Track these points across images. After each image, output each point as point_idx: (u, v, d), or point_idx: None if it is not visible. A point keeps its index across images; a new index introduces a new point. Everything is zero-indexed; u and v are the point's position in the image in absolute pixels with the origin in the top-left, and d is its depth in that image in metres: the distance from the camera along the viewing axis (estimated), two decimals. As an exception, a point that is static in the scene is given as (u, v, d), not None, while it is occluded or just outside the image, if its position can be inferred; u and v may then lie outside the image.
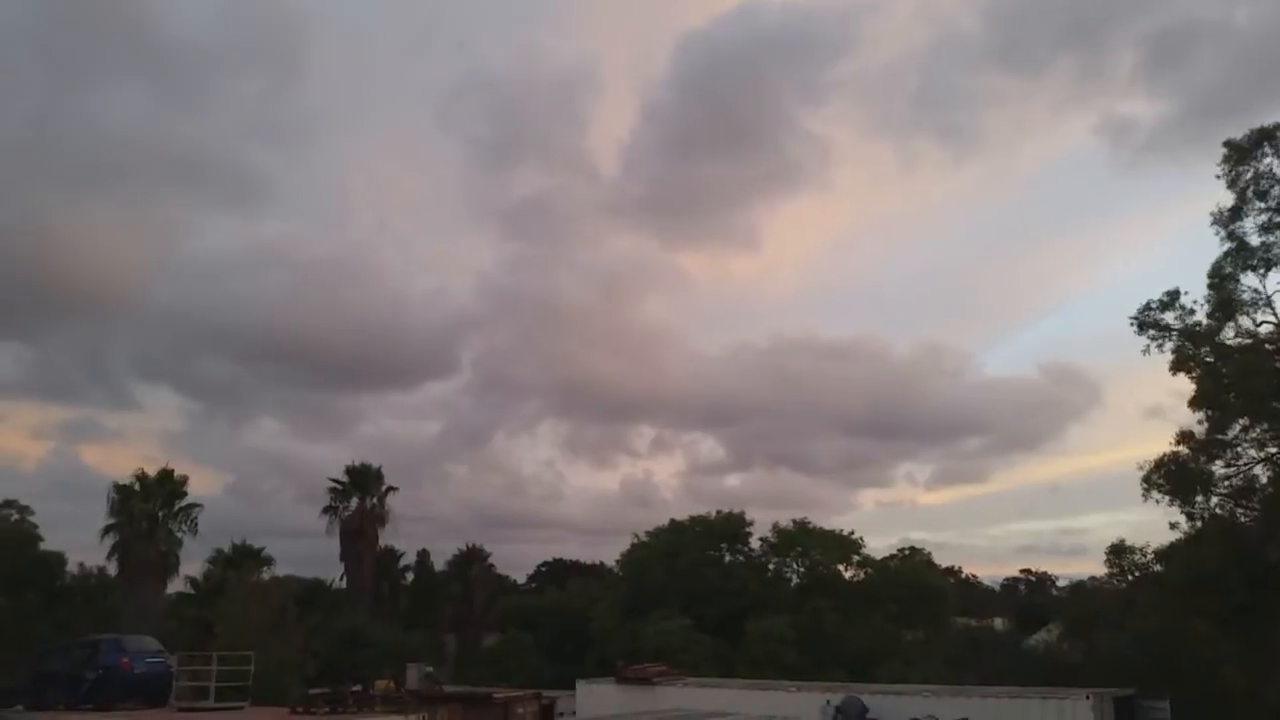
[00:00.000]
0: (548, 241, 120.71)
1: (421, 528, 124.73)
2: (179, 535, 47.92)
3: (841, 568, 46.96)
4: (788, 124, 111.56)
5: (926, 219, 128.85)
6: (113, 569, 48.32)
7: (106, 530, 46.70)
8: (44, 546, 50.80)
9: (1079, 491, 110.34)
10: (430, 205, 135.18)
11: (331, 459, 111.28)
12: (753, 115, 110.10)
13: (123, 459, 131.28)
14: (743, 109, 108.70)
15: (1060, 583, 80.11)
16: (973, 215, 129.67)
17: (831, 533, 47.71)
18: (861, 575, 46.94)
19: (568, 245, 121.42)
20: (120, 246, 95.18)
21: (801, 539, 47.06)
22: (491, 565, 66.01)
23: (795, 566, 47.62)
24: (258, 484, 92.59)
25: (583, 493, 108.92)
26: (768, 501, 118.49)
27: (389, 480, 56.39)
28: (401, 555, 65.00)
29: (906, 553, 49.55)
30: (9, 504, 52.39)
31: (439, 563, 66.50)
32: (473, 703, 26.32)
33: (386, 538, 58.13)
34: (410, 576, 67.01)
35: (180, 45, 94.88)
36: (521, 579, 78.74)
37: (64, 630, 40.47)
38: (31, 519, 52.01)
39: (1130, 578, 35.94)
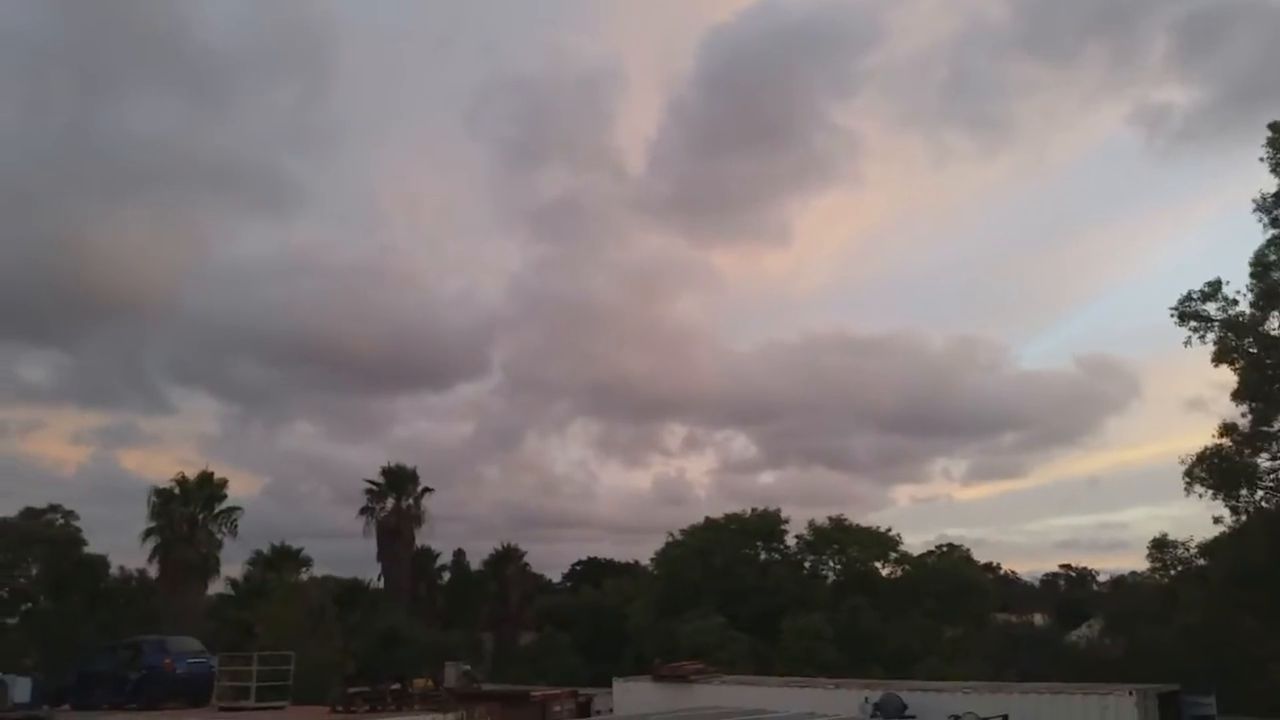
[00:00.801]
0: (576, 241, 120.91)
1: (456, 528, 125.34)
2: (219, 537, 48.68)
3: (879, 565, 46.67)
4: (816, 117, 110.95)
5: (958, 211, 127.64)
6: (154, 571, 49.08)
7: (148, 533, 47.56)
8: (87, 550, 51.56)
9: (1118, 485, 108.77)
10: (459, 207, 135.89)
11: (366, 461, 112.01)
12: (780, 109, 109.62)
13: (161, 463, 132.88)
14: (770, 103, 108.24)
15: (1101, 578, 79.23)
16: (1005, 207, 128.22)
17: (869, 530, 47.42)
18: (899, 572, 46.61)
19: (596, 245, 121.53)
20: (155, 253, 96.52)
21: (838, 536, 46.81)
22: (527, 564, 66.29)
23: (832, 564, 47.38)
24: (295, 486, 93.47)
25: (615, 492, 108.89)
26: (802, 499, 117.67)
27: (424, 481, 57.00)
28: (438, 555, 65.58)
29: (945, 549, 49.07)
30: (54, 508, 53.15)
31: (475, 562, 66.90)
32: (511, 701, 26.40)
33: (422, 538, 58.78)
34: (446, 576, 67.48)
35: (210, 52, 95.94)
36: (556, 578, 78.93)
37: (108, 632, 41.07)
38: (75, 523, 52.82)
39: (1173, 572, 35.41)
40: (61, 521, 52.04)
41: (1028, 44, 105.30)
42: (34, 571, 49.62)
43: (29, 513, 51.60)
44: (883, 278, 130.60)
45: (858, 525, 47.76)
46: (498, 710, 24.82)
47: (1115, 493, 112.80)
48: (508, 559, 64.07)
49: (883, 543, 46.61)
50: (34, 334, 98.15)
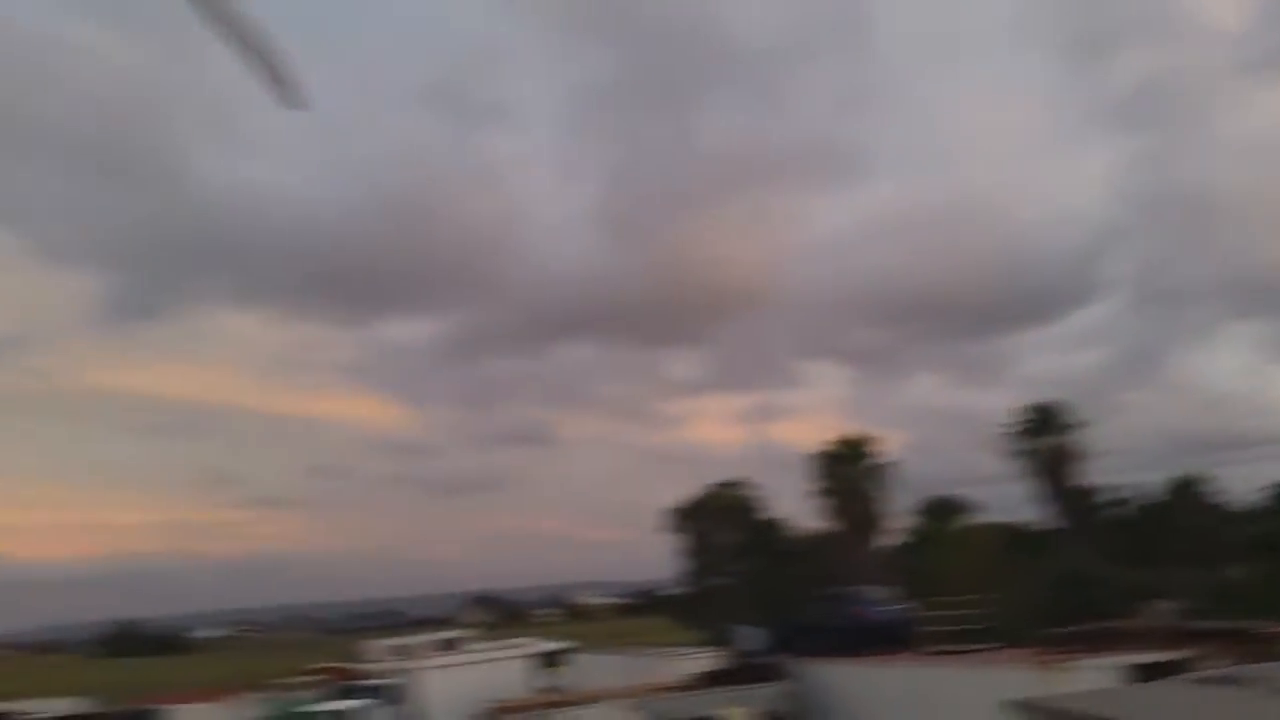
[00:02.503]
0: (1175, 125, 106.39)
1: (1109, 461, 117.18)
2: (879, 493, 51.03)
3: None
4: None
5: None
6: (826, 529, 53.06)
7: (814, 494, 51.66)
8: (768, 515, 57.30)
9: None
10: (1027, 127, 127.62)
11: (994, 403, 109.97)
12: None
13: (805, 431, 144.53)
14: None
15: None
16: None
17: None
18: None
19: (1200, 123, 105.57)
20: (757, 243, 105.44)
21: None
22: (1206, 493, 59.40)
23: None
24: (932, 436, 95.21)
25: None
26: None
27: (1067, 416, 54.11)
28: (1099, 491, 61.51)
29: None
30: (729, 484, 59.66)
31: (1140, 494, 61.63)
32: (1236, 638, 23.63)
33: (1079, 474, 55.60)
34: (1113, 511, 63.05)
35: (757, 51, 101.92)
36: (1246, 504, 69.45)
37: (799, 587, 44.97)
38: (751, 493, 58.86)
39: None
40: (743, 492, 58.42)
41: None
42: (729, 538, 56.41)
43: (715, 487, 58.71)
44: None
45: None
46: (1225, 647, 22.33)
47: None
48: (1184, 488, 58.07)
49: None
50: (675, 336, 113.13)
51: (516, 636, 44.40)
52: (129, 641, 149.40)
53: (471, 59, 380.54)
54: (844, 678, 23.40)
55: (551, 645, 35.65)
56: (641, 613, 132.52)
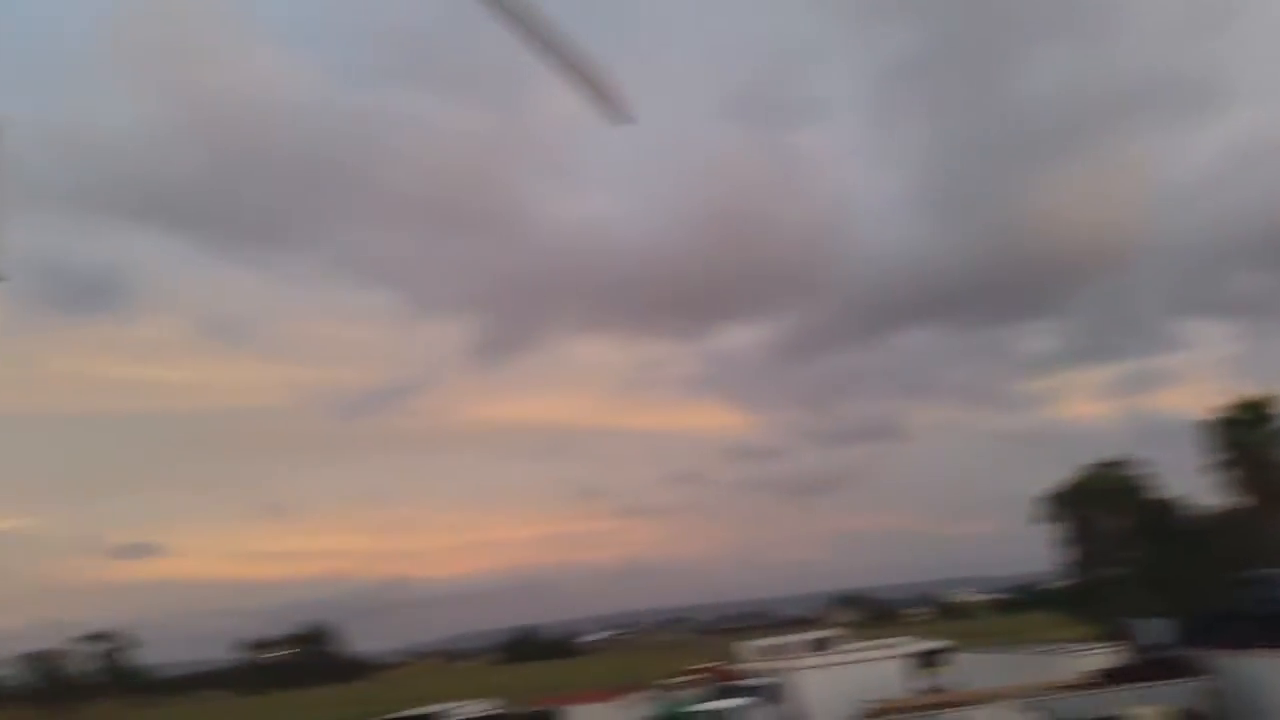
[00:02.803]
0: None
1: None
2: (1290, 458, 45.02)
3: None
4: None
5: None
6: (1231, 505, 47.64)
7: (1213, 467, 46.78)
8: (1155, 495, 51.89)
9: None
10: None
11: None
12: None
13: (1190, 397, 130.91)
14: None
15: None
16: None
17: None
18: None
19: None
20: (1102, 197, 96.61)
21: None
22: None
23: None
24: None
25: None
26: None
27: None
28: None
29: None
30: (1109, 464, 54.47)
31: None
32: None
33: None
34: None
35: None
36: None
37: (1202, 573, 40.45)
38: (1136, 472, 53.52)
39: None
40: (1127, 472, 53.35)
41: None
42: (1116, 523, 51.72)
43: (1093, 469, 53.97)
44: None
45: None
46: None
47: None
48: None
49: None
50: (1026, 309, 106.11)
51: (888, 636, 43.45)
52: (526, 647, 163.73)
53: (776, 60, 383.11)
54: (1272, 671, 20.56)
55: (929, 644, 34.44)
56: (1020, 608, 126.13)
